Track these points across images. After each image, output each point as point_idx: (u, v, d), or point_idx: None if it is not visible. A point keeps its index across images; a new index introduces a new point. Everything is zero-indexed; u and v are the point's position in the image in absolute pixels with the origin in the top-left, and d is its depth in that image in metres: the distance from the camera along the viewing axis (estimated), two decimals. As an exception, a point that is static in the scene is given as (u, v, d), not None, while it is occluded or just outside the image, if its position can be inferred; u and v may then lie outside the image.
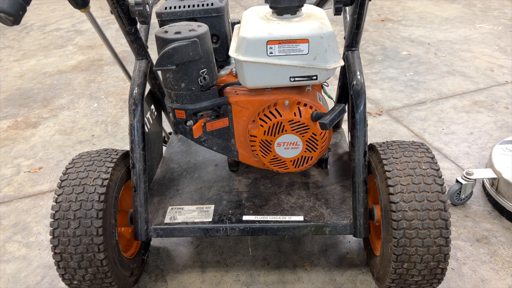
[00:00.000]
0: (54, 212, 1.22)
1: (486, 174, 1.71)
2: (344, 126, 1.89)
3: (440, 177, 1.19)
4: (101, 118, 2.61)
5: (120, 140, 2.37)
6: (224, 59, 1.46)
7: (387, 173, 1.22)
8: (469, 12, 4.09)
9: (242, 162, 1.54)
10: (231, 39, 1.46)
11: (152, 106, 1.59)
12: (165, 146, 1.83)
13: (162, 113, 1.72)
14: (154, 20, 1.64)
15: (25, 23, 4.48)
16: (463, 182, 1.69)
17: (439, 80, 2.82)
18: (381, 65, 3.09)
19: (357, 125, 1.30)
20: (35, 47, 3.84)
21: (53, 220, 1.22)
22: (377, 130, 2.32)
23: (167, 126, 1.87)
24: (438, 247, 1.15)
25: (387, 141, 1.36)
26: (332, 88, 2.43)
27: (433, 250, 1.15)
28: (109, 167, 1.29)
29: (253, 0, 4.77)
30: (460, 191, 1.71)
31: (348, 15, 1.37)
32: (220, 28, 1.39)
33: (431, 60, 3.12)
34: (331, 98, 1.58)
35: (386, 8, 4.32)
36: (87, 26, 4.29)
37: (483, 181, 1.84)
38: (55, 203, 1.23)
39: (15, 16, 0.94)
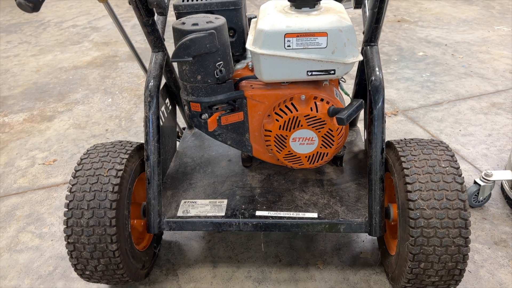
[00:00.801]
0: (68, 201, 1.22)
1: (505, 176, 1.67)
2: (359, 124, 1.87)
3: (460, 175, 1.16)
4: (115, 113, 2.63)
5: (134, 135, 2.37)
6: (240, 53, 1.45)
7: (405, 170, 1.19)
8: (487, 14, 4.02)
9: (256, 158, 1.52)
10: (247, 33, 1.45)
11: (167, 100, 1.59)
12: (179, 140, 1.82)
13: (177, 107, 1.71)
14: (170, 18, 1.63)
15: (42, 19, 4.54)
16: (482, 183, 1.65)
17: (456, 81, 2.78)
18: (397, 66, 3.05)
19: (375, 121, 1.27)
20: (51, 43, 3.88)
21: (67, 209, 1.22)
22: (392, 130, 2.29)
23: (181, 122, 1.86)
24: (457, 247, 1.12)
25: (405, 139, 1.33)
26: (347, 86, 2.40)
27: (452, 250, 1.12)
28: (123, 159, 1.29)
29: (268, -1, 4.76)
30: (478, 193, 1.67)
31: (367, 9, 1.35)
32: (237, 22, 1.38)
33: (448, 61, 3.07)
34: (348, 95, 1.55)
35: (402, 9, 4.28)
36: (102, 23, 4.33)
37: (501, 183, 1.79)
38: (69, 193, 1.23)
39: (34, 3, 0.95)
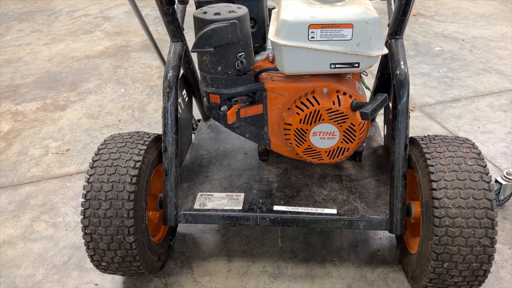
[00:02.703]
0: (85, 192, 1.21)
1: (527, 175, 1.63)
2: (378, 119, 1.83)
3: (487, 174, 1.13)
4: (127, 103, 2.61)
5: (147, 126, 2.36)
6: (260, 44, 1.41)
7: (430, 167, 1.16)
8: (506, 9, 3.93)
9: (272, 152, 1.50)
10: (268, 24, 1.41)
11: (184, 91, 1.57)
12: (194, 132, 1.80)
13: (193, 98, 1.69)
14: (189, 8, 1.60)
15: (54, 8, 4.52)
16: (503, 182, 1.61)
17: (475, 77, 2.72)
18: (413, 61, 2.99)
19: (399, 116, 1.24)
20: (63, 32, 3.87)
21: (84, 200, 1.20)
22: (410, 126, 2.24)
23: (195, 114, 1.83)
24: (483, 248, 1.09)
25: (429, 135, 1.30)
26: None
27: (477, 251, 1.09)
28: (141, 150, 1.27)
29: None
30: (499, 192, 1.64)
31: (394, 1, 1.31)
32: (258, 12, 1.35)
33: (465, 57, 3.01)
34: (369, 89, 1.52)
35: (418, 3, 4.19)
36: (114, 12, 4.31)
37: (522, 183, 1.75)
38: (86, 183, 1.22)
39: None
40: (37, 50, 3.49)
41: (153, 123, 2.38)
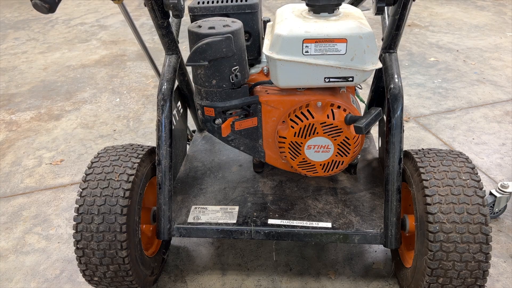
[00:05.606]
0: (78, 206, 1.20)
1: (522, 187, 1.63)
2: (373, 131, 1.83)
3: (481, 189, 1.13)
4: (123, 113, 2.60)
5: (142, 136, 2.35)
6: (255, 57, 1.42)
7: (424, 182, 1.16)
8: (500, 20, 3.97)
9: (267, 164, 1.49)
10: (262, 37, 1.42)
11: (179, 103, 1.56)
12: (189, 144, 1.80)
13: (188, 110, 1.69)
14: (185, 17, 1.61)
15: (50, 16, 4.52)
16: (498, 195, 1.62)
17: (469, 88, 2.74)
18: (408, 71, 3.01)
19: (393, 130, 1.24)
20: (59, 41, 3.87)
21: (76, 214, 1.19)
22: (404, 137, 2.24)
23: (190, 124, 1.83)
24: (477, 263, 1.09)
25: (423, 149, 1.30)
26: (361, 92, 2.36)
27: (472, 266, 1.09)
28: (135, 163, 1.26)
29: (277, 0, 4.73)
30: (493, 204, 1.64)
31: (387, 16, 1.32)
32: (253, 25, 1.35)
33: (460, 68, 3.03)
34: (363, 102, 1.53)
35: (412, 14, 4.23)
36: (110, 21, 4.32)
37: (517, 195, 1.75)
38: (79, 197, 1.20)
39: (50, 4, 0.92)
40: (32, 59, 3.48)
41: (148, 133, 2.37)
